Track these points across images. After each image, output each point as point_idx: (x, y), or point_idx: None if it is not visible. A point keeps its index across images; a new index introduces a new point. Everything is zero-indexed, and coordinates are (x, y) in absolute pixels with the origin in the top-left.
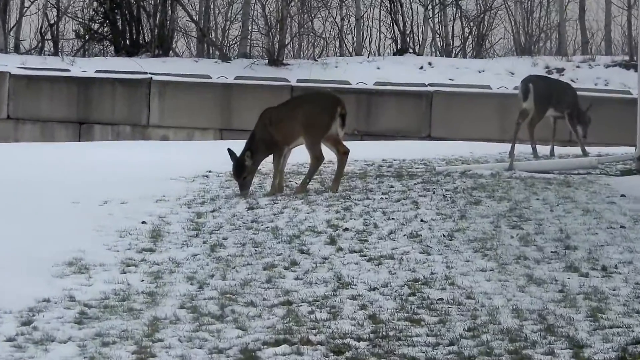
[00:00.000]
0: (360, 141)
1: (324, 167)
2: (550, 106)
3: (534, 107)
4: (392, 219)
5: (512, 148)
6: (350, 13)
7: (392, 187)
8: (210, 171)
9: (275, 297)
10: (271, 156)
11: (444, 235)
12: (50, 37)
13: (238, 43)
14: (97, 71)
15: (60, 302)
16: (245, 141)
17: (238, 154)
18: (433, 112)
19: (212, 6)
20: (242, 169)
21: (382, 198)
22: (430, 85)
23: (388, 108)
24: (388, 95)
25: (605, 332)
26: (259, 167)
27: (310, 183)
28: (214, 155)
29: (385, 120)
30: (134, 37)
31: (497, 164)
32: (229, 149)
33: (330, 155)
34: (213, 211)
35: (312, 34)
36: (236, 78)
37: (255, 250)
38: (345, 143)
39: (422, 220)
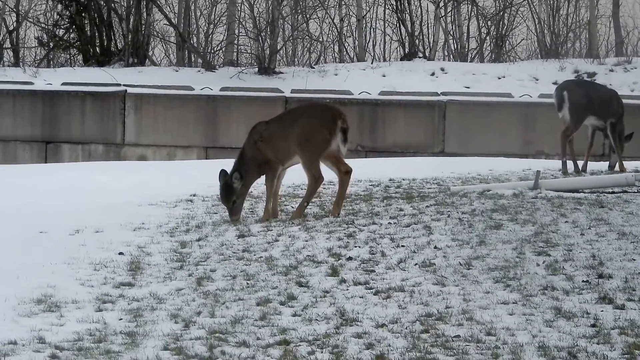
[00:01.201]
0: (365, 159)
1: (324, 188)
2: (588, 114)
3: (568, 118)
4: (402, 246)
5: (564, 164)
6: (351, 13)
7: (401, 210)
8: (194, 195)
9: (271, 336)
10: (263, 177)
11: (460, 264)
12: (9, 46)
13: (223, 49)
14: (63, 83)
15: (28, 344)
16: (233, 160)
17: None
18: (447, 124)
19: (192, 7)
20: (231, 192)
21: (390, 223)
22: (444, 94)
23: (396, 120)
24: (395, 106)
25: None
26: (249, 190)
27: (308, 207)
28: (199, 176)
29: (393, 135)
30: (105, 44)
31: (520, 183)
32: (222, 171)
33: (330, 175)
34: (199, 240)
35: (307, 37)
36: (222, 89)
37: (248, 283)
38: (347, 161)
39: (435, 247)
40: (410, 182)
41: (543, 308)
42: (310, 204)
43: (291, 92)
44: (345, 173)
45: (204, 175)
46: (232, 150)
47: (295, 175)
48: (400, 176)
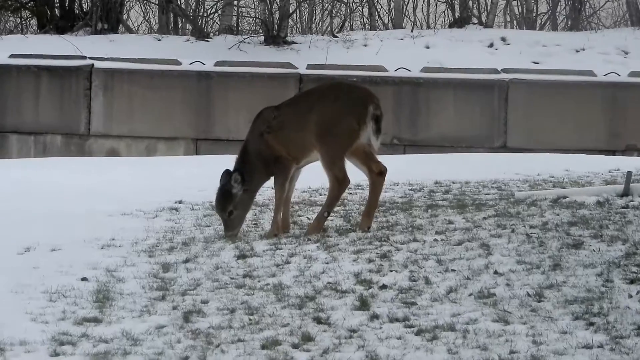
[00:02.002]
0: (403, 155)
1: (350, 194)
2: None
3: None
4: (452, 270)
5: None
6: None
7: (450, 223)
8: (181, 202)
9: None
10: (271, 180)
11: (528, 295)
12: None
13: (219, 12)
14: (12, 55)
15: None
16: (234, 157)
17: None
18: (509, 110)
19: None
20: (228, 200)
21: (436, 240)
22: (505, 71)
23: (443, 106)
24: (443, 86)
25: None
26: (253, 199)
27: (329, 218)
28: (187, 177)
29: (439, 124)
30: (67, 4)
31: (606, 188)
32: (227, 172)
33: (358, 176)
34: (186, 261)
35: None
36: (217, 64)
37: (250, 319)
38: (380, 158)
39: (496, 273)
40: (462, 186)
41: (638, 353)
42: (332, 214)
43: (307, 68)
44: (378, 174)
45: (193, 176)
46: (230, 143)
47: (312, 177)
48: (449, 178)
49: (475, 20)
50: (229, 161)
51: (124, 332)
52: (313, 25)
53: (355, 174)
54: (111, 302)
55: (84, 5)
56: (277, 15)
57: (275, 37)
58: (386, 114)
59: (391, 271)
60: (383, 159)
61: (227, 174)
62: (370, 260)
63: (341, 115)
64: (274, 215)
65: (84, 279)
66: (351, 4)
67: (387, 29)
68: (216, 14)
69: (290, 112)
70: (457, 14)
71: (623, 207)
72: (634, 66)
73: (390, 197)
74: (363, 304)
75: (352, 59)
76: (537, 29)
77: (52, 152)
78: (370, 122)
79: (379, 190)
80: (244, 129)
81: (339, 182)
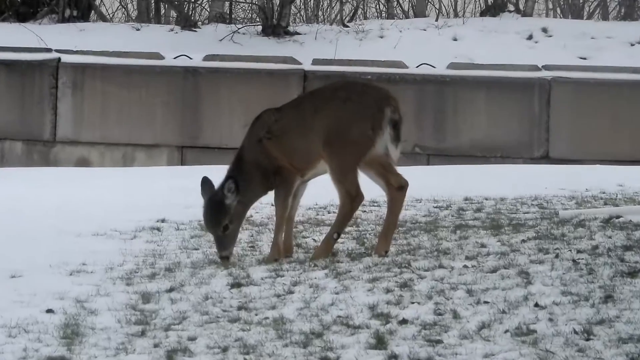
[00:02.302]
0: (427, 166)
1: (363, 211)
2: None
3: None
4: (485, 302)
5: None
6: None
7: (483, 246)
8: (164, 220)
9: None
10: (271, 194)
11: (575, 332)
12: None
13: None
14: None
15: None
16: (226, 167)
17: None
18: (552, 114)
19: None
20: (222, 212)
21: (466, 266)
22: (547, 67)
23: (474, 108)
24: (473, 85)
25: None
26: (248, 212)
27: (339, 240)
28: (170, 191)
29: (470, 130)
30: None
31: None
32: (206, 180)
33: (374, 191)
34: (171, 290)
35: None
36: (207, 58)
37: (245, 359)
38: (400, 170)
39: (537, 306)
40: (496, 204)
41: None
42: (342, 235)
43: (313, 64)
44: (397, 189)
45: (178, 190)
46: (221, 152)
47: (319, 192)
48: (481, 194)
49: (511, 7)
50: (220, 173)
51: None
52: (320, 13)
53: (371, 188)
54: (81, 339)
55: None
56: (277, 1)
57: (275, 27)
58: (406, 118)
59: (413, 303)
60: (403, 170)
61: (206, 182)
62: (388, 290)
63: (353, 119)
64: (275, 236)
65: (49, 310)
66: None
67: (407, 17)
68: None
69: (293, 115)
70: (490, 0)
71: None
72: None
73: (411, 216)
74: (379, 342)
75: (365, 53)
76: (585, 18)
77: (11, 161)
78: (388, 128)
79: (398, 208)
80: (239, 134)
81: (351, 197)
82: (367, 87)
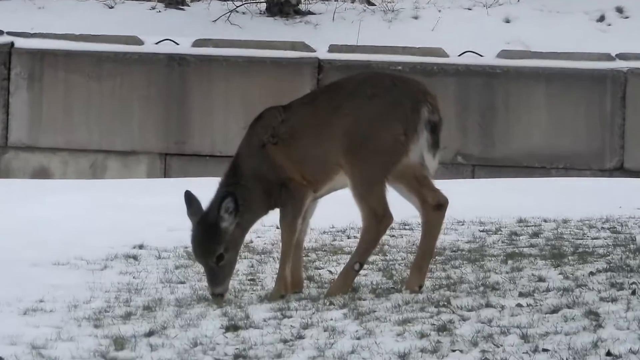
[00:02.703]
0: (472, 180)
1: (392, 236)
2: None
3: None
4: (544, 350)
5: None
6: None
7: (541, 280)
8: (142, 246)
9: None
10: (273, 215)
11: None
12: None
13: None
14: None
15: None
16: (219, 180)
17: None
18: (629, 114)
19: None
20: (216, 241)
21: (519, 305)
22: (622, 57)
23: (530, 107)
24: (530, 79)
25: None
26: (247, 237)
27: (361, 272)
28: (151, 210)
29: (525, 134)
30: None
31: None
32: (187, 193)
33: (406, 211)
34: (150, 334)
35: None
36: (197, 43)
37: None
38: (438, 185)
39: (609, 354)
40: (558, 227)
41: None
42: (365, 266)
43: (330, 51)
44: (435, 208)
45: (159, 208)
46: (214, 161)
47: (336, 210)
48: (539, 215)
49: None
50: (209, 186)
51: None
52: None
53: (401, 207)
54: None
55: None
56: None
57: (282, 5)
58: (447, 119)
59: (454, 351)
60: (442, 185)
61: (193, 200)
62: (422, 335)
63: (382, 120)
64: (280, 267)
65: None
66: None
67: None
68: None
69: (306, 114)
70: None
71: None
72: None
73: (452, 242)
74: None
75: (396, 38)
76: None
77: None
78: (424, 132)
79: (436, 232)
80: (237, 139)
81: (377, 218)
82: (399, 80)
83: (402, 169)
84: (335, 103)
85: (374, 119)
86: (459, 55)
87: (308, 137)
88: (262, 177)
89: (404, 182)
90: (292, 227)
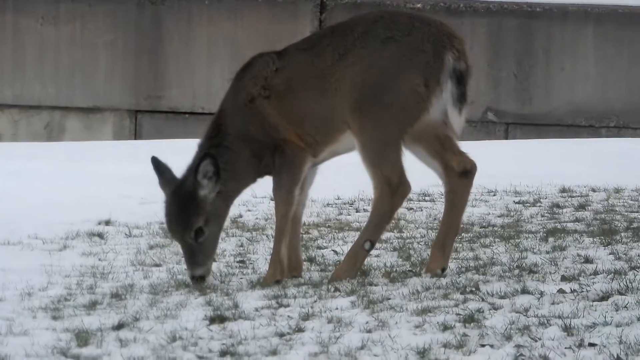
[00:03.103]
0: (505, 140)
1: (409, 209)
2: None
3: None
4: (591, 345)
5: None
6: None
7: (587, 261)
8: (108, 222)
9: None
10: (267, 181)
11: None
12: None
13: None
14: None
15: None
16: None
17: (177, 170)
18: None
19: None
20: (194, 212)
21: (562, 291)
22: None
23: (576, 54)
24: (575, 19)
25: None
26: (232, 210)
27: (373, 251)
28: (119, 179)
29: (569, 87)
30: None
31: None
32: (154, 160)
33: (426, 179)
34: (120, 327)
35: None
36: None
37: None
38: (465, 147)
39: None
40: (608, 197)
41: None
42: (378, 244)
43: None
44: (460, 175)
45: (130, 177)
46: (195, 119)
47: (341, 179)
48: (586, 182)
49: None
50: (187, 147)
51: None
52: None
53: (421, 175)
54: None
55: None
56: None
57: None
58: (476, 68)
59: (483, 346)
60: (470, 148)
61: (162, 166)
62: (445, 327)
63: (397, 69)
64: (274, 246)
65: None
66: None
67: None
68: None
69: (305, 62)
70: None
71: None
72: None
73: (482, 216)
74: None
75: None
76: None
77: None
78: (448, 83)
79: (461, 204)
80: (222, 93)
81: (392, 188)
82: (418, 20)
83: (422, 128)
84: (341, 49)
85: (387, 67)
86: None
87: (307, 90)
88: (250, 138)
89: (424, 144)
90: (288, 198)
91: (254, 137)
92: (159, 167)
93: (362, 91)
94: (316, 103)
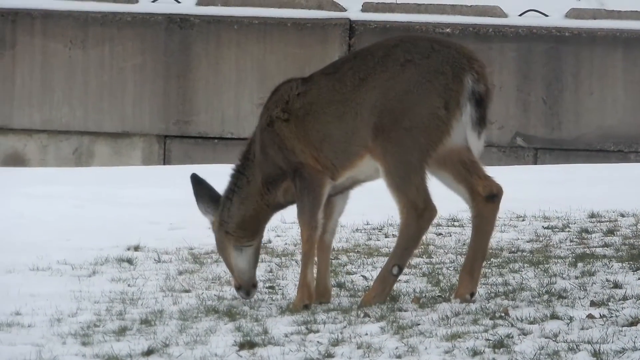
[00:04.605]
0: (534, 166)
1: (438, 234)
2: None
3: None
4: None
5: None
6: None
7: (617, 286)
8: (138, 248)
9: None
10: (292, 208)
11: None
12: None
13: None
14: None
15: None
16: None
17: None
18: None
19: None
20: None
21: (591, 316)
22: None
23: (606, 78)
24: (605, 43)
25: None
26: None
27: (401, 276)
28: (149, 204)
29: (598, 111)
30: None
31: None
32: (196, 178)
33: (454, 204)
34: (149, 353)
35: None
36: (202, 1)
37: None
38: (492, 172)
39: None
40: (638, 222)
41: None
42: (406, 270)
43: (363, 10)
44: (487, 199)
45: (158, 202)
46: (223, 144)
47: (370, 204)
48: (616, 208)
49: None
50: (224, 176)
51: None
52: None
53: (449, 200)
54: None
55: None
56: None
57: None
58: (504, 92)
59: None
60: (498, 173)
61: (201, 184)
62: (475, 353)
63: (417, 92)
64: (302, 271)
65: None
66: None
67: None
68: None
69: (327, 86)
70: None
71: None
72: None
73: (510, 241)
74: None
75: None
76: None
77: None
78: (468, 106)
79: (489, 228)
80: (250, 118)
81: (417, 212)
82: (438, 43)
83: (446, 153)
84: (362, 73)
85: (406, 90)
86: (520, 15)
87: (327, 114)
88: (269, 162)
89: (449, 169)
90: (311, 222)
91: (273, 161)
92: (200, 184)
93: (382, 115)
94: (335, 127)
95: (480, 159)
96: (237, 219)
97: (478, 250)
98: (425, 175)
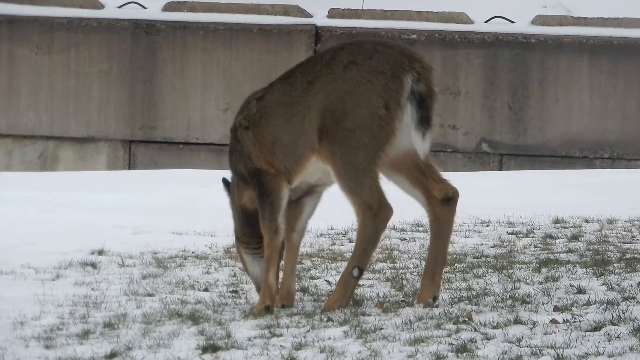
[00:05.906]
0: (499, 172)
1: (403, 239)
2: None
3: None
4: None
5: None
6: None
7: (580, 292)
8: (101, 252)
9: None
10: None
11: None
12: None
13: None
14: None
15: None
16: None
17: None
18: None
19: None
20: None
21: (554, 321)
22: None
23: (571, 85)
24: (571, 50)
25: None
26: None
27: (362, 279)
28: (113, 208)
29: (564, 118)
30: None
31: None
32: (225, 181)
33: (417, 210)
34: (112, 356)
35: None
36: (168, 7)
37: None
38: (460, 178)
39: None
40: (601, 228)
41: None
42: (370, 275)
43: (330, 17)
44: (443, 202)
45: (123, 207)
46: (189, 149)
47: (335, 208)
48: (579, 213)
49: None
50: (193, 181)
51: None
52: None
53: (412, 204)
54: None
55: None
56: None
57: None
58: (471, 98)
59: None
60: (462, 178)
61: (226, 182)
62: (438, 357)
63: (356, 92)
64: (264, 274)
65: None
66: None
67: None
68: None
69: (280, 91)
70: None
71: None
72: None
73: (475, 246)
74: None
75: (410, 1)
76: None
77: None
78: (409, 106)
79: (446, 232)
80: (216, 123)
81: (372, 212)
82: (382, 45)
83: (398, 156)
84: (310, 76)
85: (348, 91)
86: (486, 22)
87: (278, 117)
88: (235, 168)
89: (404, 173)
90: (271, 226)
91: (236, 168)
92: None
93: (326, 116)
94: (285, 130)
95: (425, 158)
96: (237, 224)
97: (438, 254)
98: (376, 176)
